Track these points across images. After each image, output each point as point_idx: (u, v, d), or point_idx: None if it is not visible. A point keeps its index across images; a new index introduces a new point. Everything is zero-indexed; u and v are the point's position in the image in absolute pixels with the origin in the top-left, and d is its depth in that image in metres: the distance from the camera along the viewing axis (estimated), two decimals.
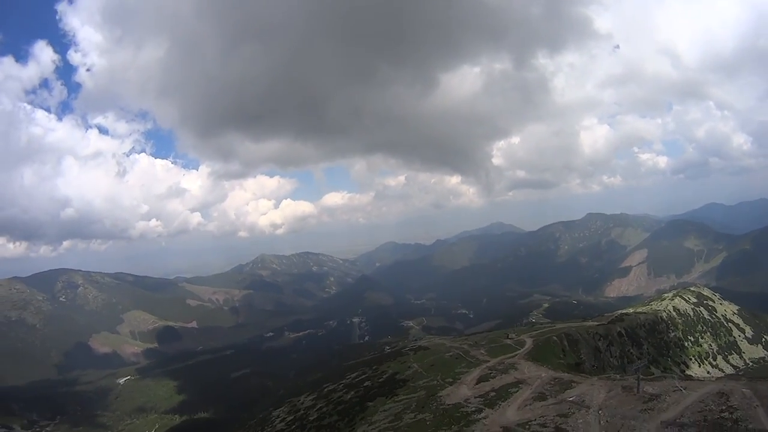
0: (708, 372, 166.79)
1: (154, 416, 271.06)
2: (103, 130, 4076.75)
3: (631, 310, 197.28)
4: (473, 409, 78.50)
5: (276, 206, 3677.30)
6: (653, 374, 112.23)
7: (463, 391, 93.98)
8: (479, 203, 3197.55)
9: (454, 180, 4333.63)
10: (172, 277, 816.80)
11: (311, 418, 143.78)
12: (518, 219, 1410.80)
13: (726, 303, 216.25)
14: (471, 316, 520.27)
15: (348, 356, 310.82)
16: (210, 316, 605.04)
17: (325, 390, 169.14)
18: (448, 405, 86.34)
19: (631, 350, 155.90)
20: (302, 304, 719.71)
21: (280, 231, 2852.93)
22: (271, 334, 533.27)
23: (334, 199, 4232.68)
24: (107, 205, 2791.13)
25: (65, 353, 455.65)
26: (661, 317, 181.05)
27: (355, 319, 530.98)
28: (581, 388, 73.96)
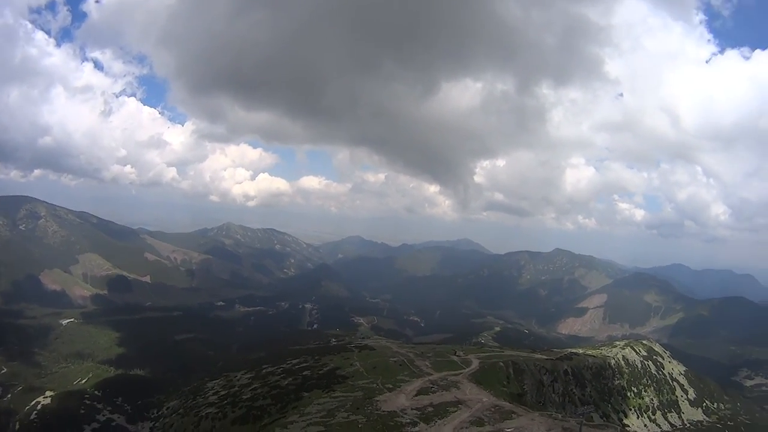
0: (645, 425, 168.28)
1: (89, 364, 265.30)
2: (98, 66, 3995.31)
3: (580, 351, 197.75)
4: (408, 421, 77.84)
5: (252, 178, 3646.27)
6: (592, 420, 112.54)
7: (401, 400, 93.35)
8: (452, 217, 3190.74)
9: (432, 189, 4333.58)
10: (135, 227, 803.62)
11: (244, 397, 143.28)
12: (487, 240, 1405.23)
13: (674, 362, 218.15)
14: (422, 324, 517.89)
15: (293, 341, 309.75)
16: (165, 274, 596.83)
17: (264, 371, 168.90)
18: (384, 412, 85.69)
19: (574, 390, 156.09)
20: (258, 279, 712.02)
21: (251, 203, 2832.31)
22: (222, 303, 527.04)
23: (311, 182, 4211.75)
24: (86, 142, 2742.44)
25: (13, 282, 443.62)
26: (609, 363, 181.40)
27: (308, 305, 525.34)
28: (521, 421, 73.43)
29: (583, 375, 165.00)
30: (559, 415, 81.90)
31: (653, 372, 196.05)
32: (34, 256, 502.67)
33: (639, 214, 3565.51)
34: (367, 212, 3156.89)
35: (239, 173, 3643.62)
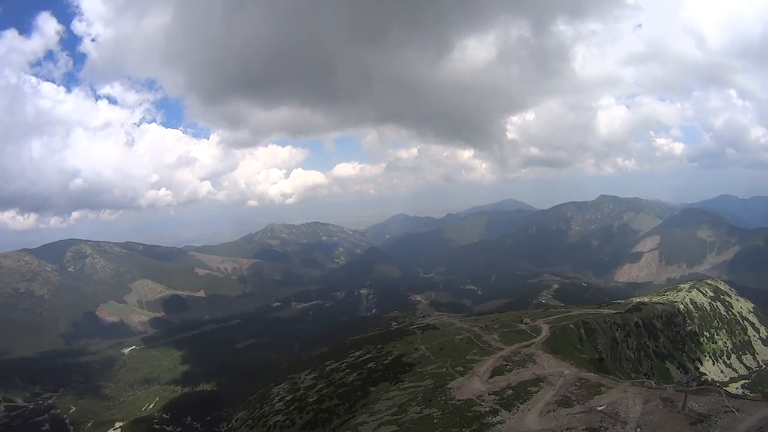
0: (722, 371, 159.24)
1: (156, 388, 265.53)
2: (112, 101, 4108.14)
3: (646, 299, 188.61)
4: (487, 409, 70.65)
5: (287, 176, 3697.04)
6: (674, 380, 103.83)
7: (475, 385, 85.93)
8: (491, 179, 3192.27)
9: (467, 154, 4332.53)
10: (181, 246, 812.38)
11: (310, 400, 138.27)
12: (530, 197, 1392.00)
13: (742, 300, 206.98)
14: (479, 292, 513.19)
15: (354, 330, 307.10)
16: (218, 285, 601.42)
17: (327, 368, 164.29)
18: (459, 401, 78.74)
19: (648, 342, 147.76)
20: (310, 274, 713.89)
21: (290, 201, 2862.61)
22: (278, 304, 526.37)
23: (345, 169, 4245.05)
24: (116, 175, 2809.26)
25: (73, 323, 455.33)
26: (678, 309, 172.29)
27: (363, 291, 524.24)
28: (612, 395, 65.34)
29: (654, 325, 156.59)
30: (653, 383, 73.48)
31: (723, 313, 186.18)
32: (87, 293, 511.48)
33: (678, 147, 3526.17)
34: (406, 189, 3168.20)
35: (273, 174, 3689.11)
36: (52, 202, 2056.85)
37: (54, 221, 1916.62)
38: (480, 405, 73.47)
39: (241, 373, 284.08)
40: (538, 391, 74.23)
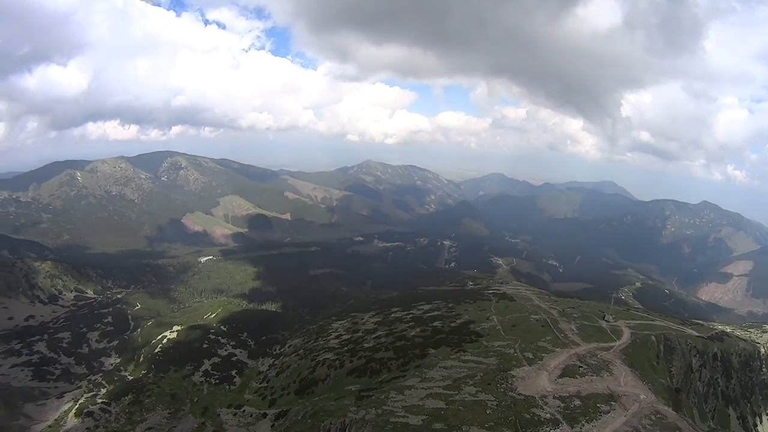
0: None
1: (222, 299, 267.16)
2: (221, 26, 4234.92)
3: (729, 329, 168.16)
4: (548, 416, 61.57)
5: (390, 116, 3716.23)
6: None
7: (541, 382, 76.88)
8: (595, 156, 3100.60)
9: (576, 125, 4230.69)
10: (275, 170, 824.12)
11: (366, 345, 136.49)
12: (631, 184, 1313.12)
13: None
14: (561, 270, 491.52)
15: (429, 280, 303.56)
16: (304, 211, 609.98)
17: (392, 316, 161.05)
18: (519, 396, 70.19)
19: (720, 380, 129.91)
20: (398, 215, 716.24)
21: (390, 140, 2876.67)
22: (360, 238, 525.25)
23: (450, 118, 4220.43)
24: (220, 96, 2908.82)
25: (158, 227, 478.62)
26: (759, 352, 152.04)
27: (446, 243, 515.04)
28: None
29: (731, 362, 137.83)
30: None
31: None
32: (176, 202, 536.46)
33: None
34: (508, 149, 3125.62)
35: (377, 112, 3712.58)
36: (154, 116, 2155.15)
37: (154, 134, 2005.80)
38: (541, 408, 64.51)
39: (308, 299, 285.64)
40: (609, 412, 64.53)
